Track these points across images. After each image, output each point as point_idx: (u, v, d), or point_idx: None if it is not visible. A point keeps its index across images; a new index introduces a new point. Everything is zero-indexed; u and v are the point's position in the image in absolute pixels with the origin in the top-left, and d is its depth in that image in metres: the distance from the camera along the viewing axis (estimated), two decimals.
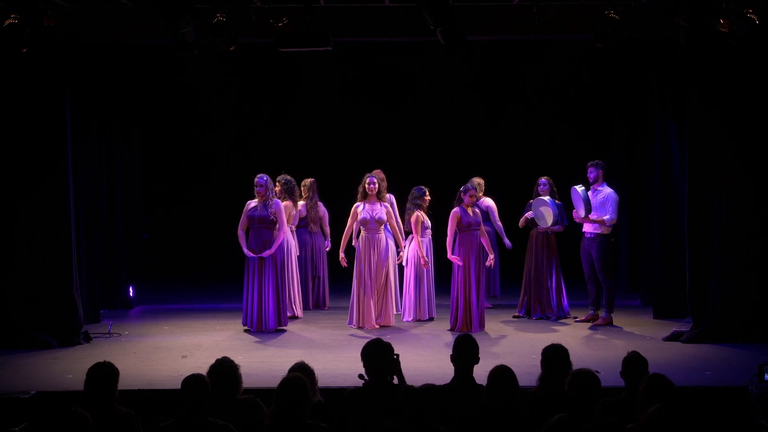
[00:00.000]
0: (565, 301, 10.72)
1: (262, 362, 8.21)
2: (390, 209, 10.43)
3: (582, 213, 10.17)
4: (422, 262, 10.33)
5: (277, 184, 10.74)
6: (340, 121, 14.18)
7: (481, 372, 5.48)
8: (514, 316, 10.77)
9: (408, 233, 10.60)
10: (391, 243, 10.53)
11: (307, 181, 11.36)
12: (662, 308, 10.59)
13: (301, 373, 5.08)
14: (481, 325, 9.90)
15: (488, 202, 11.31)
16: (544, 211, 10.46)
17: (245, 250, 9.87)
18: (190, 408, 4.80)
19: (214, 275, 14.03)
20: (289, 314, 10.62)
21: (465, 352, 5.58)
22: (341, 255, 10.46)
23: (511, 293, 11.73)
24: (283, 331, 9.90)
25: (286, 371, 5.34)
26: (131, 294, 11.82)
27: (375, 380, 5.41)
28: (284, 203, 10.68)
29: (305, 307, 11.20)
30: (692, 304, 9.45)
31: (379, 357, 5.44)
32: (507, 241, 11.21)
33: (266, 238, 9.87)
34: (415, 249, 10.40)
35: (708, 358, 8.46)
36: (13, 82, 9.22)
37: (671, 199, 10.51)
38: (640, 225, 12.15)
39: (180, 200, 14.88)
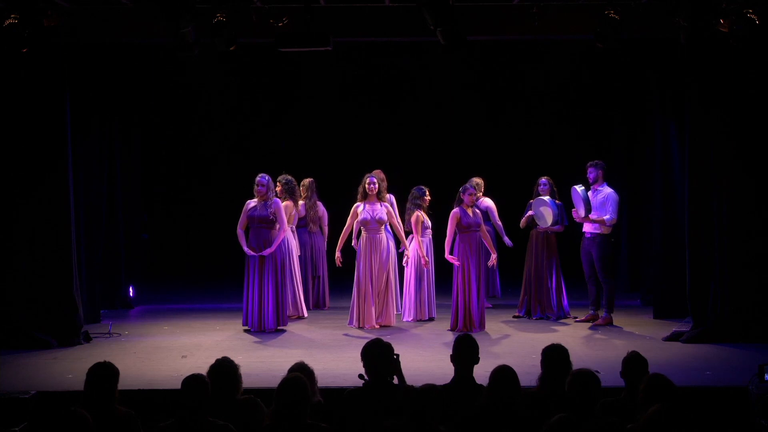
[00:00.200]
0: (565, 301, 10.72)
1: (262, 362, 8.21)
2: (390, 209, 10.43)
3: (582, 213, 10.17)
4: (422, 261, 10.34)
5: (277, 184, 10.75)
6: (340, 121, 14.18)
7: (481, 372, 5.48)
8: (514, 316, 10.77)
9: (408, 233, 10.60)
10: (392, 243, 10.54)
11: (306, 181, 11.36)
12: (662, 308, 10.59)
13: (301, 373, 5.08)
14: (481, 325, 9.91)
15: (487, 202, 11.31)
16: (543, 211, 10.47)
17: (245, 249, 9.86)
18: (190, 408, 4.80)
19: (214, 275, 14.04)
20: (294, 314, 10.64)
21: (465, 352, 5.58)
22: (337, 254, 10.45)
23: (511, 293, 11.73)
24: (283, 331, 9.90)
25: (286, 371, 5.34)
26: (131, 294, 11.82)
27: (375, 380, 5.40)
28: (285, 203, 10.69)
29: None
30: (692, 304, 9.45)
31: (379, 357, 5.44)
32: (507, 240, 11.21)
33: (266, 237, 9.87)
34: (416, 249, 10.40)
35: (708, 358, 8.46)
36: (13, 82, 9.22)
37: (671, 199, 10.51)
38: (640, 225, 12.15)
39: (180, 200, 14.89)
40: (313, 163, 13.02)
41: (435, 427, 4.72)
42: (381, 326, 10.10)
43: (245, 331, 9.90)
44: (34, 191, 9.33)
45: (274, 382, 4.92)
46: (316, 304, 11.54)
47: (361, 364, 5.46)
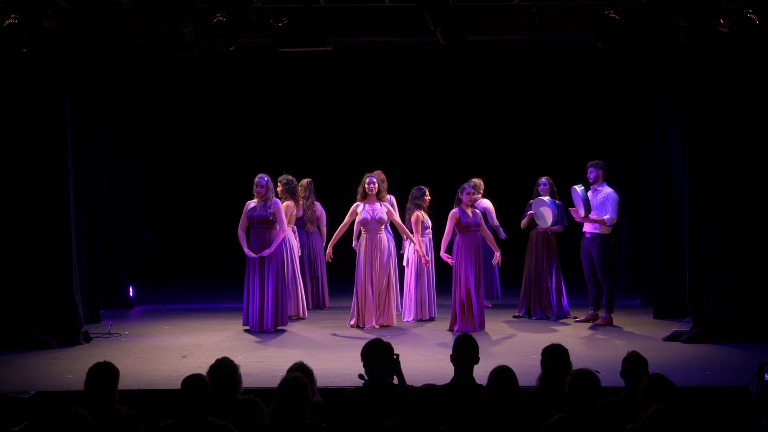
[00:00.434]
0: (565, 301, 10.72)
1: (262, 362, 8.21)
2: (390, 208, 10.43)
3: (582, 213, 10.17)
4: (423, 260, 10.34)
5: (278, 184, 10.76)
6: (340, 122, 14.18)
7: (481, 372, 5.48)
8: (514, 316, 10.77)
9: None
10: (392, 243, 10.54)
11: (304, 181, 11.36)
12: (662, 308, 10.59)
13: (300, 373, 5.07)
14: (481, 325, 9.90)
15: (485, 203, 11.32)
16: (543, 211, 10.47)
17: (246, 250, 9.87)
18: (190, 408, 4.80)
19: (214, 275, 14.04)
20: (295, 314, 10.64)
21: (465, 352, 5.58)
22: (328, 250, 10.45)
23: (511, 293, 11.74)
24: (283, 331, 9.90)
25: (286, 371, 5.34)
26: (131, 294, 11.82)
27: (375, 380, 5.41)
28: (286, 203, 10.70)
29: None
30: (692, 304, 9.45)
31: (379, 357, 5.44)
32: (501, 232, 11.20)
33: (266, 238, 9.87)
34: (416, 248, 10.41)
35: (708, 358, 8.46)
36: (13, 82, 9.22)
37: (671, 199, 10.51)
38: (640, 225, 12.15)
39: (180, 200, 14.88)
40: (313, 164, 13.02)
41: (435, 427, 4.72)
42: (381, 326, 10.10)
43: (245, 331, 9.89)
44: (35, 191, 9.33)
45: (274, 382, 4.92)
46: (316, 304, 11.54)
47: (361, 364, 5.46)
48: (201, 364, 6.59)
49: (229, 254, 12.25)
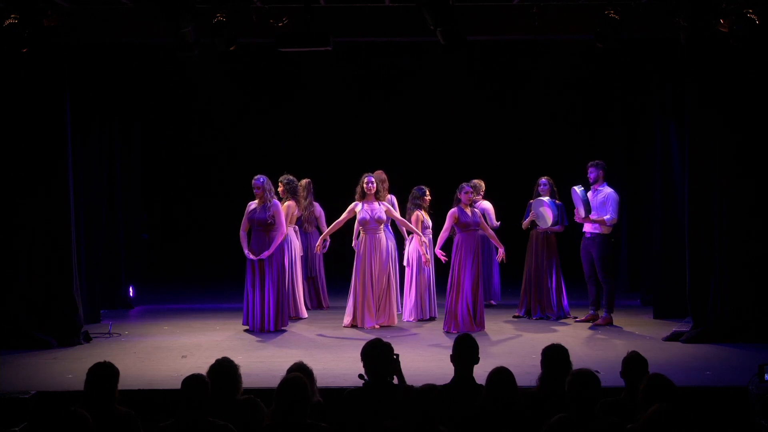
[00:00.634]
0: (565, 301, 10.72)
1: (262, 362, 8.21)
2: (389, 207, 10.42)
3: (582, 213, 10.18)
4: (423, 259, 10.34)
5: (279, 184, 10.76)
6: (340, 121, 14.18)
7: (481, 372, 5.48)
8: (514, 316, 10.77)
9: (409, 233, 10.61)
10: (392, 243, 10.54)
11: (303, 181, 11.34)
12: (662, 308, 10.59)
13: (300, 373, 5.08)
14: (481, 325, 9.90)
15: (485, 204, 11.34)
16: (543, 211, 10.47)
17: (246, 252, 9.87)
18: (190, 408, 4.80)
19: (214, 275, 14.03)
20: (295, 315, 10.64)
21: (465, 352, 5.58)
22: (319, 241, 10.45)
23: (511, 293, 11.74)
24: (283, 331, 9.90)
25: (286, 371, 5.34)
26: (131, 294, 11.82)
27: (375, 380, 5.41)
28: (288, 203, 10.70)
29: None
30: (692, 304, 9.46)
31: (379, 357, 5.44)
32: (493, 221, 11.20)
33: (266, 240, 9.87)
34: (416, 248, 10.41)
35: (708, 358, 8.46)
36: (13, 82, 9.22)
37: (671, 199, 10.51)
38: (640, 225, 12.15)
39: (180, 200, 14.88)
40: (313, 164, 13.03)
41: (435, 427, 4.72)
42: (381, 326, 10.10)
43: (245, 331, 9.90)
44: (35, 191, 9.33)
45: (274, 382, 4.92)
46: (316, 305, 11.53)
47: (361, 364, 5.46)
48: (201, 364, 6.59)
49: (229, 254, 12.26)
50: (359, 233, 10.36)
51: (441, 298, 10.74)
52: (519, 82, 13.88)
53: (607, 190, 10.30)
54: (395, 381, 5.57)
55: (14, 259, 9.31)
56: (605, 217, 10.16)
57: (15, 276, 9.30)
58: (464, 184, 10.17)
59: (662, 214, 10.66)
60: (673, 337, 9.33)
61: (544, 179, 10.68)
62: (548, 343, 5.73)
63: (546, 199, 10.47)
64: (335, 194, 11.77)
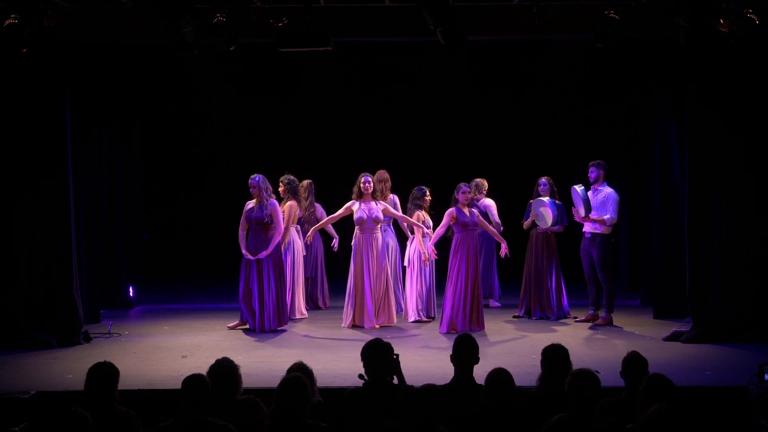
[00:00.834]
0: (565, 301, 10.72)
1: (262, 362, 8.21)
2: (388, 206, 10.41)
3: (582, 213, 10.18)
4: (423, 258, 10.33)
5: (280, 184, 10.77)
6: (340, 121, 14.18)
7: (481, 372, 5.47)
8: (514, 316, 10.77)
9: (411, 231, 10.61)
10: (391, 242, 10.52)
11: (305, 182, 11.35)
12: (662, 308, 10.59)
13: (300, 373, 5.08)
14: (481, 325, 9.90)
15: (487, 201, 11.33)
16: (543, 211, 10.47)
17: (243, 252, 9.87)
18: (190, 408, 4.80)
19: (214, 275, 14.03)
20: (295, 315, 10.64)
21: (465, 352, 5.59)
22: (309, 232, 10.44)
23: (511, 293, 11.74)
24: (283, 331, 9.90)
25: (286, 371, 5.34)
26: (131, 294, 11.82)
27: (375, 380, 5.41)
28: (289, 203, 10.70)
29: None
30: (692, 304, 9.45)
31: (379, 357, 5.44)
32: (496, 218, 11.19)
33: (263, 239, 9.87)
34: (417, 248, 10.41)
35: (708, 358, 8.46)
36: (13, 82, 9.22)
37: (671, 199, 10.51)
38: (640, 225, 12.15)
39: (180, 200, 14.88)
40: (313, 164, 13.03)
41: (435, 427, 4.72)
42: (381, 326, 10.10)
43: (245, 331, 9.89)
44: (34, 191, 9.33)
45: (274, 382, 4.92)
46: (316, 305, 11.54)
47: (361, 364, 5.46)
48: (201, 364, 6.60)
49: (229, 254, 12.24)
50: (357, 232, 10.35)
51: (441, 298, 10.73)
52: (519, 82, 13.87)
53: (608, 190, 10.30)
54: (395, 381, 5.58)
55: (14, 259, 9.31)
56: (605, 217, 10.16)
57: (15, 276, 9.30)
58: (462, 185, 10.17)
59: (662, 214, 10.66)
60: (673, 337, 9.33)
61: (544, 179, 10.68)
62: (548, 343, 5.73)
63: (546, 199, 10.47)
64: (335, 194, 11.77)
